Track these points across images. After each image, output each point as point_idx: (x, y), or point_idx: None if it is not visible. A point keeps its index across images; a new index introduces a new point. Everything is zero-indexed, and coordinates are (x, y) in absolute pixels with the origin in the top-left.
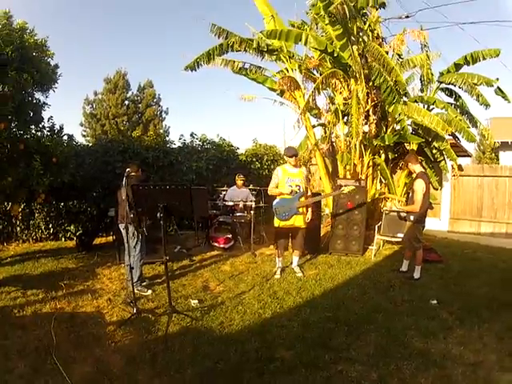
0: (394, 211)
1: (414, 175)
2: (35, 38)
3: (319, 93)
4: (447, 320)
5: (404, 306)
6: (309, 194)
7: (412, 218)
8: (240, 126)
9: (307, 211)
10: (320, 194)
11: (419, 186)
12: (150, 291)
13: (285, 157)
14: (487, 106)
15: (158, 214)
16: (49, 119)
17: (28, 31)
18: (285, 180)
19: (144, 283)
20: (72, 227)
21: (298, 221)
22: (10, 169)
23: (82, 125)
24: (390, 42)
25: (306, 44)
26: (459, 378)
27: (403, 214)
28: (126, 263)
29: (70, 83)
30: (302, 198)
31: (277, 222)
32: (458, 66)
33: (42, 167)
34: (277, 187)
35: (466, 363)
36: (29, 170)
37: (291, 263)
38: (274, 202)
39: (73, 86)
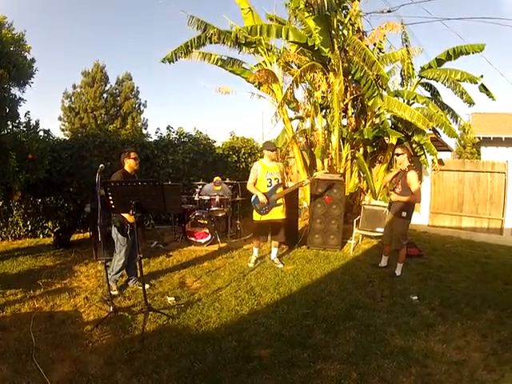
0: (375, 205)
1: (399, 167)
2: (13, 32)
3: (297, 86)
4: (428, 316)
5: (384, 301)
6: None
7: (404, 213)
8: (217, 119)
9: (285, 203)
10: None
11: (414, 177)
12: (116, 291)
13: (265, 151)
14: (471, 103)
15: (131, 211)
16: (25, 114)
17: (6, 26)
18: (264, 174)
19: (131, 281)
20: (50, 224)
21: (278, 213)
22: None
23: (60, 119)
24: (369, 35)
25: (287, 38)
26: (442, 376)
27: (396, 211)
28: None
29: (49, 77)
30: (279, 190)
31: (257, 217)
32: (439, 62)
33: (18, 164)
34: (255, 182)
35: (449, 361)
36: (5, 167)
37: (270, 257)
38: (252, 198)
39: (53, 80)
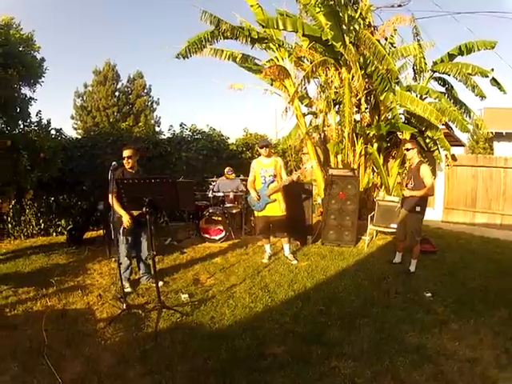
0: (389, 201)
1: (410, 162)
2: (21, 32)
3: (309, 81)
4: (442, 313)
5: (398, 298)
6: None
7: (418, 208)
8: (231, 116)
9: (282, 200)
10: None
11: (427, 170)
12: (130, 288)
13: (258, 148)
14: (483, 97)
15: (144, 209)
16: (37, 114)
17: (14, 26)
18: (259, 171)
19: (144, 278)
20: (63, 222)
21: (274, 210)
22: None
23: (72, 118)
24: (379, 29)
25: (303, 31)
26: (455, 375)
27: (410, 206)
28: (114, 258)
29: (61, 76)
30: (271, 185)
31: (256, 213)
32: (451, 57)
33: (30, 163)
34: (254, 180)
35: (461, 359)
36: (16, 166)
37: (284, 253)
38: (248, 196)
39: (64, 79)
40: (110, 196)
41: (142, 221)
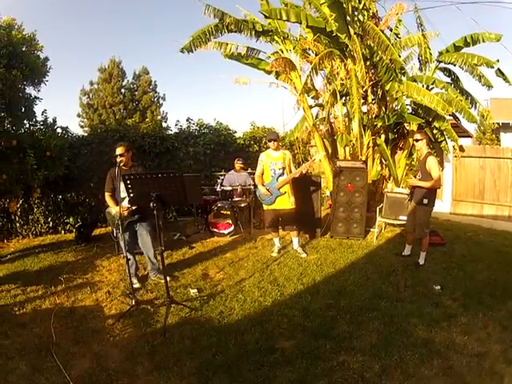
0: (397, 192)
1: (418, 153)
2: (23, 33)
3: (316, 73)
4: (451, 307)
5: (407, 291)
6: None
7: (426, 201)
8: (238, 110)
9: (291, 193)
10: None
11: (434, 162)
12: (138, 284)
13: (266, 141)
14: (489, 87)
15: (151, 204)
16: (42, 113)
17: (16, 27)
18: (268, 164)
19: (152, 274)
20: (71, 219)
21: (283, 203)
22: (5, 165)
23: (79, 115)
24: (383, 18)
25: (307, 23)
26: (464, 369)
27: (418, 199)
28: (123, 254)
29: (67, 75)
30: (280, 178)
31: (265, 206)
32: (457, 48)
33: (36, 161)
34: (263, 173)
35: (470, 354)
36: (23, 165)
37: (293, 246)
38: (257, 191)
39: (70, 78)
40: (106, 194)
41: (134, 218)
